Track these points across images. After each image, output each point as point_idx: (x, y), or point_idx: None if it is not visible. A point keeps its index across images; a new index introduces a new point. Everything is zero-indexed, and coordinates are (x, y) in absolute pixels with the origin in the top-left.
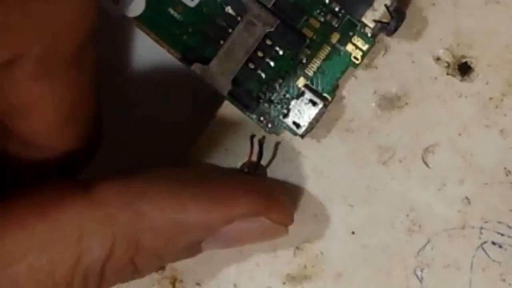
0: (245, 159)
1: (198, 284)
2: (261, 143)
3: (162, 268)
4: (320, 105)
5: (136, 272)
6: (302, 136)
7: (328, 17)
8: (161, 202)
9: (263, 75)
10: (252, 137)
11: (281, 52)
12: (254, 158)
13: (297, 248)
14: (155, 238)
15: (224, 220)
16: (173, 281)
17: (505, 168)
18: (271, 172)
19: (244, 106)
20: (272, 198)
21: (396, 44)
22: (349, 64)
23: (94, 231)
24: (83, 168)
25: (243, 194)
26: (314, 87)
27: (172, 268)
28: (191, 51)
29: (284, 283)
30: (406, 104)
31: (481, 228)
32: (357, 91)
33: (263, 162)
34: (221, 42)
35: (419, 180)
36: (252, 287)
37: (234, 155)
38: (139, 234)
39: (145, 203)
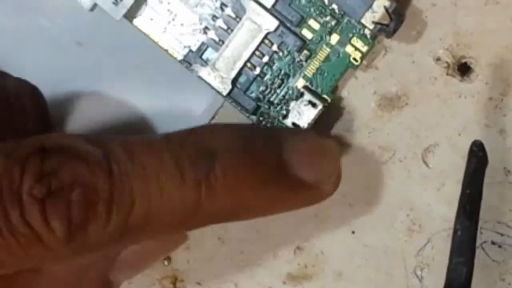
0: None
1: (199, 283)
2: None
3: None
4: (320, 107)
5: None
6: None
7: (327, 18)
8: None
9: (262, 76)
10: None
11: (280, 53)
12: None
13: (298, 247)
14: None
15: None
16: (174, 281)
17: (504, 168)
18: None
19: (243, 107)
20: None
21: (396, 45)
22: (348, 65)
23: None
24: None
25: None
26: (313, 88)
27: (173, 267)
28: (191, 52)
29: (284, 282)
30: (406, 104)
31: (481, 228)
32: (357, 91)
33: None
34: (221, 43)
35: (419, 180)
36: (252, 286)
37: None
38: None
39: None
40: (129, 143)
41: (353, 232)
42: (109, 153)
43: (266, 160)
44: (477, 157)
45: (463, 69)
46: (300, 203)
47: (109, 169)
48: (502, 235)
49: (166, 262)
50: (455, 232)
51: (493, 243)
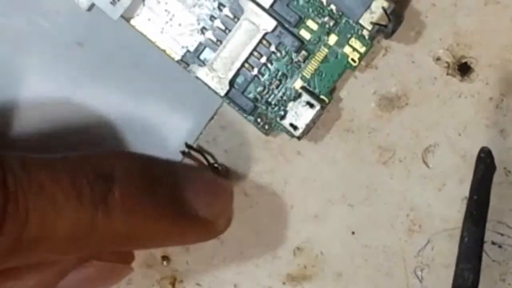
0: (247, 161)
1: (198, 284)
2: (196, 149)
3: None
4: (317, 107)
5: None
6: (299, 138)
7: (326, 19)
8: None
9: (260, 77)
10: (184, 152)
11: (278, 54)
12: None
13: (297, 248)
14: None
15: (56, 275)
16: (173, 281)
17: (505, 168)
18: (271, 173)
19: (241, 108)
20: None
21: (396, 44)
22: (346, 66)
23: None
24: None
25: None
26: (311, 89)
27: (172, 268)
28: (189, 53)
29: (284, 283)
30: (406, 104)
31: None
32: (357, 91)
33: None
34: (219, 43)
35: (419, 180)
36: (252, 287)
37: (233, 155)
38: None
39: None
40: (27, 159)
41: (353, 233)
42: (5, 165)
43: (163, 191)
44: (485, 164)
45: (463, 69)
46: (194, 237)
47: (4, 181)
48: (502, 235)
49: (165, 263)
50: (462, 238)
51: (493, 243)
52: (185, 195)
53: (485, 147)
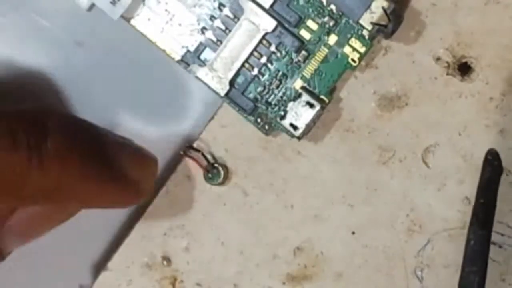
0: (247, 161)
1: (198, 284)
2: (196, 149)
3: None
4: (317, 107)
5: None
6: (299, 138)
7: (326, 19)
8: None
9: (260, 77)
10: (184, 152)
11: (278, 54)
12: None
13: (297, 248)
14: None
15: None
16: (174, 281)
17: (505, 168)
18: (271, 173)
19: (241, 108)
20: None
21: (396, 44)
22: (346, 66)
23: None
24: None
25: None
26: (311, 89)
27: (172, 268)
28: (189, 53)
29: (284, 283)
30: (406, 104)
31: None
32: (357, 91)
33: None
34: (219, 43)
35: (419, 180)
36: (252, 287)
37: (233, 155)
38: None
39: None
40: None
41: (353, 233)
42: None
43: (96, 149)
44: (492, 166)
45: (464, 69)
46: (121, 198)
47: None
48: (502, 235)
49: (165, 263)
50: (468, 241)
51: (493, 243)
52: (116, 156)
53: (492, 149)
